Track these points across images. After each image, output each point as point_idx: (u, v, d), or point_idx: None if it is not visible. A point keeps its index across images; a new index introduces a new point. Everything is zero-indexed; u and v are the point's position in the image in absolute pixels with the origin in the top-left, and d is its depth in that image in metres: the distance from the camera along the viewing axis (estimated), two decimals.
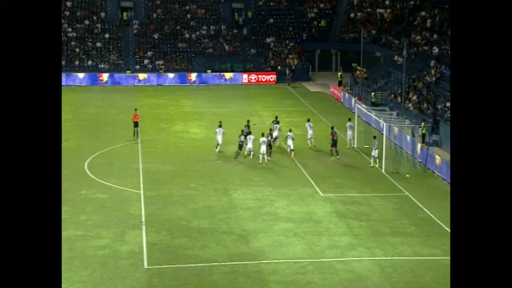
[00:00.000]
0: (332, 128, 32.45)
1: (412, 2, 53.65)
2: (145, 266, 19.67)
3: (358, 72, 47.50)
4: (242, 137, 30.96)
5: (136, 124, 34.19)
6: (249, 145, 30.36)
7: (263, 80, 52.20)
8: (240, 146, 30.64)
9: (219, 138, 31.63)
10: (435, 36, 45.16)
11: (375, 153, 29.73)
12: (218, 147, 31.58)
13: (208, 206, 24.87)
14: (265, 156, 29.64)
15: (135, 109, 35.29)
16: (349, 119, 34.07)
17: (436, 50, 42.89)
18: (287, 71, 52.32)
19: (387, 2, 55.95)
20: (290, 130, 31.97)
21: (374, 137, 30.42)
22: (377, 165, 29.52)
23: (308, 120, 33.93)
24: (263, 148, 29.73)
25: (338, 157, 30.87)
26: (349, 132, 33.52)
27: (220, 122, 33.05)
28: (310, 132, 32.85)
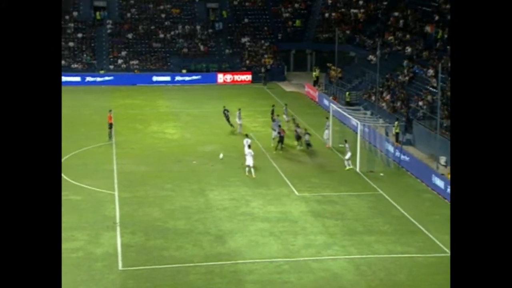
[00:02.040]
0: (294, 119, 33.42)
1: (385, 3, 54.21)
2: (120, 268, 19.55)
3: (333, 72, 47.81)
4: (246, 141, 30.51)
5: (110, 126, 33.92)
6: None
7: (239, 80, 52.21)
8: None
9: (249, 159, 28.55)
10: (407, 36, 45.72)
11: (348, 156, 29.88)
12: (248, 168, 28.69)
13: (184, 206, 24.81)
14: (252, 170, 28.25)
15: (110, 110, 35.01)
16: (327, 118, 34.35)
17: (408, 50, 43.44)
18: (262, 71, 52.42)
19: (360, 2, 56.43)
20: (247, 135, 31.77)
21: (345, 141, 30.63)
22: (351, 167, 29.71)
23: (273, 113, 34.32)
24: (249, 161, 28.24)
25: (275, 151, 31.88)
26: (326, 131, 33.84)
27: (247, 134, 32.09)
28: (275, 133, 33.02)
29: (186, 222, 23.16)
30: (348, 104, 40.53)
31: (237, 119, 35.63)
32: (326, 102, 42.22)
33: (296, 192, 26.57)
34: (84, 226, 22.68)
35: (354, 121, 33.01)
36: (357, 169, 29.66)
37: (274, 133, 33.23)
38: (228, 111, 36.55)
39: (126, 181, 27.58)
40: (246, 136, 31.40)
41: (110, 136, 33.80)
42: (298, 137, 32.74)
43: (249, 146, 29.31)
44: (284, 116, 38.00)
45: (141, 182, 27.59)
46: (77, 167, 29.43)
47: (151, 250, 20.83)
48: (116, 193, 26.06)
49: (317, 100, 45.41)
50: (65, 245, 21.02)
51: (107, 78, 50.49)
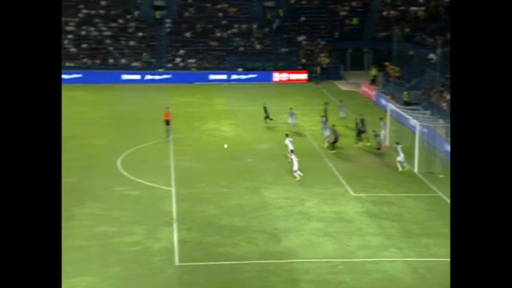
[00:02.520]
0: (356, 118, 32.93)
1: (447, 0, 52.81)
2: (177, 263, 19.85)
3: (390, 71, 47.02)
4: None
5: (167, 123, 34.44)
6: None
7: (294, 78, 52.07)
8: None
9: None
10: None
11: (400, 157, 29.18)
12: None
13: (239, 204, 24.95)
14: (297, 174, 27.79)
15: (167, 108, 35.56)
16: (381, 118, 33.78)
17: None
18: (318, 71, 52.10)
19: (421, 0, 55.18)
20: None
21: (397, 143, 29.97)
22: (405, 169, 29.05)
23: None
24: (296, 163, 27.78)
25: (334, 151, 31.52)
26: (382, 132, 33.41)
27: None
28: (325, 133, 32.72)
29: (241, 220, 23.28)
30: (406, 103, 39.71)
31: (289, 119, 35.48)
32: (383, 101, 41.54)
33: (352, 192, 26.26)
34: (143, 221, 23.15)
35: (412, 121, 32.31)
36: (415, 170, 29.03)
37: (326, 133, 32.86)
38: (266, 108, 36.82)
39: (183, 178, 27.99)
40: (287, 136, 30.96)
41: (168, 133, 34.29)
42: (360, 133, 32.40)
43: (292, 151, 28.53)
44: (341, 113, 37.60)
45: (197, 179, 27.93)
46: (136, 163, 30.08)
47: (206, 246, 21.05)
48: (173, 189, 26.48)
49: (374, 99, 44.72)
50: (124, 239, 21.56)
51: (165, 76, 51.38)
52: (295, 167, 27.69)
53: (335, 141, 32.17)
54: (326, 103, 38.54)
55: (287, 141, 30.28)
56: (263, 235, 21.86)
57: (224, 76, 51.75)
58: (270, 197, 25.69)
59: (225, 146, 30.95)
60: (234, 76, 51.76)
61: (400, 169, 28.98)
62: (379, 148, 31.78)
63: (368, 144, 32.64)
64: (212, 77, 51.46)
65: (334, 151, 31.82)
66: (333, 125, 32.97)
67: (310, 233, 22.08)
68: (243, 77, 51.73)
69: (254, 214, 23.79)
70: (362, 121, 33.99)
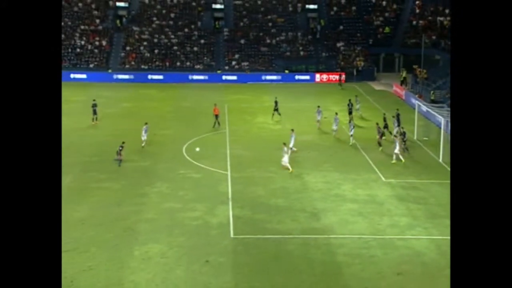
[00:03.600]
0: (377, 123, 31.50)
1: None
2: (231, 235, 19.99)
3: (419, 73, 45.80)
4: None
5: (216, 117, 34.65)
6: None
7: (333, 79, 51.40)
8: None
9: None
10: None
11: (397, 150, 27.49)
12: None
13: (284, 187, 24.89)
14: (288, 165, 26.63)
15: (215, 104, 35.76)
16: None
17: None
18: (354, 72, 51.29)
19: (446, 11, 53.38)
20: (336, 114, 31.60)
21: (395, 136, 28.78)
22: (401, 161, 27.25)
23: (336, 114, 32.95)
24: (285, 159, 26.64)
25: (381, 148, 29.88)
26: (318, 117, 33.02)
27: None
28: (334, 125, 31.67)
29: (285, 200, 23.23)
30: (433, 102, 38.61)
31: (316, 116, 34.68)
32: (412, 100, 40.49)
33: (383, 178, 25.77)
34: (203, 199, 23.41)
35: (438, 117, 31.37)
36: (440, 160, 28.21)
37: (335, 126, 31.83)
38: (277, 102, 36.22)
39: (237, 164, 28.11)
40: (292, 131, 29.55)
41: (215, 125, 34.42)
42: (382, 134, 30.50)
43: (284, 144, 26.95)
44: (357, 106, 36.59)
45: (249, 164, 28.00)
46: (198, 151, 30.40)
47: (256, 222, 21.11)
48: (229, 173, 26.64)
49: (403, 98, 43.65)
50: (187, 214, 21.87)
51: (224, 77, 51.68)
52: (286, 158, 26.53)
53: (381, 137, 31.13)
54: (350, 100, 37.29)
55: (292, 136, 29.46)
56: (304, 214, 21.75)
57: (273, 77, 51.60)
58: (310, 181, 25.52)
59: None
60: (281, 77, 51.54)
61: (394, 161, 27.40)
62: (407, 149, 29.27)
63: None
64: (263, 77, 51.39)
65: (381, 148, 30.08)
66: (377, 123, 31.85)
67: (345, 213, 21.83)
68: (289, 77, 51.40)
69: (296, 196, 23.69)
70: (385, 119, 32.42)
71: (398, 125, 31.95)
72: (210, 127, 35.14)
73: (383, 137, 30.92)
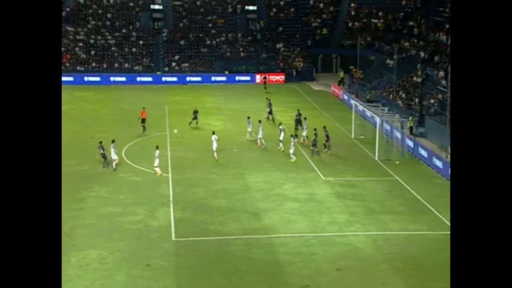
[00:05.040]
0: (325, 127, 32.05)
1: (402, 14, 53.05)
2: (173, 238, 19.76)
3: (355, 74, 47.17)
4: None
5: (143, 121, 33.97)
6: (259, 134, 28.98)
7: (273, 80, 51.98)
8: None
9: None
10: (421, 42, 44.64)
11: (292, 150, 27.91)
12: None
13: (226, 188, 24.89)
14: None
15: (143, 108, 35.03)
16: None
17: (422, 54, 42.40)
18: (294, 72, 52.11)
19: (380, 13, 55.36)
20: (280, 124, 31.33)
21: (292, 136, 28.91)
22: (293, 160, 27.77)
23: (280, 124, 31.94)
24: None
25: (329, 151, 30.23)
26: (249, 128, 32.04)
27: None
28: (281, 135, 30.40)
29: (227, 201, 23.24)
30: (369, 101, 39.89)
31: (247, 126, 33.93)
32: (349, 99, 41.66)
33: (322, 177, 26.36)
34: (143, 202, 22.99)
35: (373, 116, 32.45)
36: (376, 158, 29.20)
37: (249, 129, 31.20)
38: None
39: (178, 165, 27.82)
40: (213, 133, 29.48)
41: (144, 129, 33.55)
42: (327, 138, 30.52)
43: (157, 147, 26.59)
44: (267, 109, 35.77)
45: (190, 166, 27.79)
46: (137, 153, 29.83)
47: (198, 224, 20.98)
48: (170, 175, 26.32)
49: (341, 97, 44.85)
50: (127, 218, 21.39)
51: (164, 78, 50.97)
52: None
53: (327, 140, 31.52)
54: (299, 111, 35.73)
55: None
56: (246, 214, 21.85)
57: (212, 78, 51.49)
58: (252, 181, 25.68)
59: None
60: (221, 78, 51.52)
61: (293, 159, 27.86)
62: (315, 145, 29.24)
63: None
64: (202, 78, 51.12)
65: (326, 150, 30.20)
66: (324, 126, 32.32)
67: (286, 212, 22.12)
68: (229, 78, 51.46)
69: (238, 196, 23.76)
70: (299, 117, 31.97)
71: (296, 129, 31.54)
72: (150, 130, 34.55)
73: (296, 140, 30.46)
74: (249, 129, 32.26)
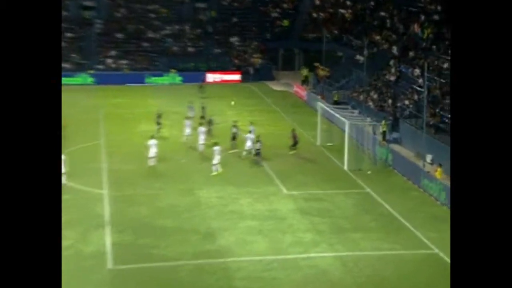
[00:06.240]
0: (293, 129, 32.64)
1: (372, 3, 54.43)
2: (109, 266, 19.50)
3: (320, 71, 47.96)
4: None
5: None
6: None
7: (228, 79, 52.18)
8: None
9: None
10: (394, 36, 45.91)
11: (216, 160, 27.94)
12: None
13: (172, 205, 24.79)
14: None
15: None
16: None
17: (395, 49, 43.61)
18: (250, 70, 52.51)
19: (348, 3, 56.54)
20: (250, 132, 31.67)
21: (215, 143, 28.44)
22: (218, 172, 27.95)
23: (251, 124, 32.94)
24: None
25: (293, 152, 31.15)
26: (248, 142, 32.01)
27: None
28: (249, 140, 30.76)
29: (174, 220, 23.14)
30: (336, 103, 40.64)
31: (185, 129, 33.85)
32: (314, 101, 42.35)
33: (284, 190, 26.64)
34: (73, 224, 22.56)
35: (342, 120, 33.12)
36: (345, 168, 29.78)
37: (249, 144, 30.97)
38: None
39: (114, 180, 27.51)
40: (152, 137, 29.64)
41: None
42: (233, 138, 31.28)
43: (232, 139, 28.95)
44: (190, 114, 35.83)
45: (130, 180, 27.53)
46: (66, 166, 29.20)
47: (140, 248, 20.79)
48: (105, 192, 25.98)
49: (305, 99, 45.51)
50: None
51: (96, 78, 50.26)
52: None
53: (295, 143, 32.09)
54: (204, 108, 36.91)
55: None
56: (196, 235, 21.82)
57: (156, 78, 51.21)
58: (202, 197, 25.68)
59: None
60: (167, 77, 51.31)
61: (214, 172, 28.15)
62: (259, 154, 29.71)
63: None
64: (146, 78, 50.78)
65: (292, 153, 31.48)
66: (293, 129, 32.75)
67: (243, 231, 22.23)
68: (176, 78, 51.33)
69: (188, 215, 23.71)
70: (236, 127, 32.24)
71: (233, 139, 31.70)
72: (81, 138, 34.00)
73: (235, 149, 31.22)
74: (187, 132, 32.90)
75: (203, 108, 37.60)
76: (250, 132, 31.77)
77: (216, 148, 28.59)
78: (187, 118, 34.67)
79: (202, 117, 35.24)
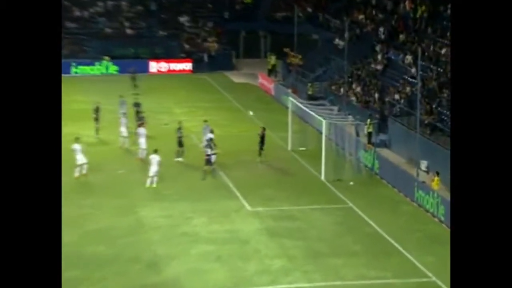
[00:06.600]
0: (264, 128, 32.83)
1: None
2: None
3: (292, 59, 48.31)
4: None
5: None
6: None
7: (176, 69, 52.15)
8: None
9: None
10: (380, 15, 46.56)
11: (152, 172, 28.29)
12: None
13: (108, 227, 24.65)
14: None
15: None
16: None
17: (382, 31, 44.22)
18: (205, 58, 52.58)
19: None
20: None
21: (155, 151, 28.80)
22: (152, 185, 28.34)
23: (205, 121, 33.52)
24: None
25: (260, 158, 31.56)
26: (123, 130, 33.44)
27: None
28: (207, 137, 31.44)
29: (109, 247, 23.01)
30: (311, 98, 41.04)
31: (121, 129, 34.01)
32: (283, 95, 42.64)
33: (248, 207, 26.77)
34: None
35: (318, 119, 33.45)
36: (322, 178, 30.09)
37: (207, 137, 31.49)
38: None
39: None
40: (76, 139, 30.01)
41: None
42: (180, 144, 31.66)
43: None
44: (121, 110, 36.16)
45: None
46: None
47: (65, 284, 20.54)
48: None
49: (272, 93, 45.81)
50: None
51: None
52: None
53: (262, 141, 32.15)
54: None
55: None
56: (138, 265, 21.75)
57: (85, 67, 50.81)
58: (146, 216, 25.61)
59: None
60: (99, 66, 50.96)
61: (148, 184, 28.42)
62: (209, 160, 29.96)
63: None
64: (72, 67, 50.32)
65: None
66: (263, 128, 32.79)
67: (197, 258, 22.27)
68: (110, 67, 51.03)
69: (127, 240, 23.62)
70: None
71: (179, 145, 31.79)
72: None
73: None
74: (123, 133, 33.26)
75: (136, 105, 37.26)
76: (210, 133, 31.87)
77: (154, 157, 28.58)
78: (122, 115, 34.61)
79: (139, 116, 35.08)
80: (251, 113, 36.13)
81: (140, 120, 34.30)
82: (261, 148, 32.09)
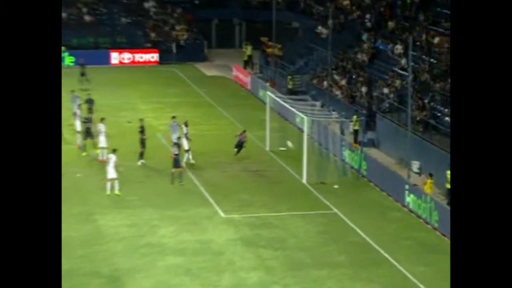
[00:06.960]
0: (245, 130, 32.99)
1: None
2: None
3: (270, 49, 48.39)
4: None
5: None
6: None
7: (141, 60, 52.01)
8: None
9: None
10: (367, 0, 46.79)
11: (111, 174, 28.30)
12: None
13: (64, 238, 24.07)
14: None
15: None
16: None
17: (369, 18, 44.44)
18: (173, 48, 52.50)
19: None
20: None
21: (114, 150, 28.94)
22: (114, 193, 28.33)
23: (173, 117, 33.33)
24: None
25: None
26: (77, 122, 33.69)
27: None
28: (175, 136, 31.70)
29: (66, 260, 22.64)
30: (291, 92, 41.14)
31: (75, 125, 34.38)
32: (261, 89, 42.68)
33: (222, 213, 26.77)
34: None
35: (299, 116, 33.49)
36: (304, 181, 30.16)
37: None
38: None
39: None
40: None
41: None
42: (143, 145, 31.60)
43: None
44: (75, 107, 35.98)
45: None
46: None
47: None
48: None
49: (248, 87, 45.84)
50: None
51: None
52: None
53: (240, 146, 32.16)
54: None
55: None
56: (98, 279, 21.70)
57: None
58: (107, 225, 25.55)
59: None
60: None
61: (108, 191, 28.37)
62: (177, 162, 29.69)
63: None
64: None
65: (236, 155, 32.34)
66: (244, 131, 32.93)
67: (164, 271, 22.22)
68: (66, 58, 50.74)
69: (85, 251, 23.54)
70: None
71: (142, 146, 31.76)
72: None
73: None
74: (77, 128, 33.58)
75: (88, 101, 36.98)
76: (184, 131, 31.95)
77: (111, 157, 28.49)
78: (76, 110, 34.64)
79: (90, 113, 35.04)
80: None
81: (87, 120, 33.86)
82: (238, 152, 32.11)
